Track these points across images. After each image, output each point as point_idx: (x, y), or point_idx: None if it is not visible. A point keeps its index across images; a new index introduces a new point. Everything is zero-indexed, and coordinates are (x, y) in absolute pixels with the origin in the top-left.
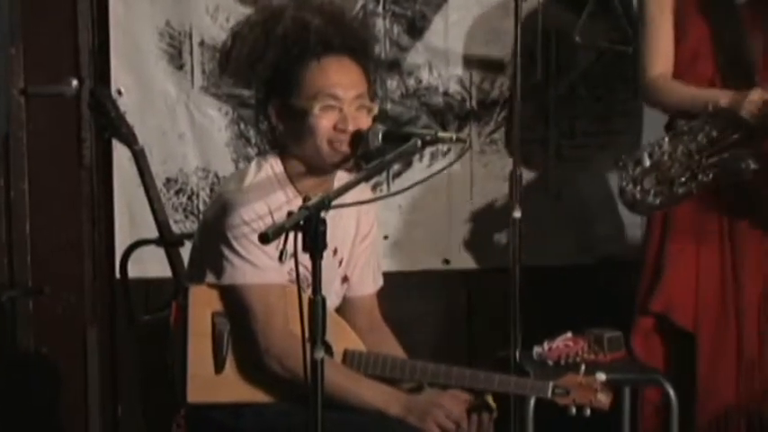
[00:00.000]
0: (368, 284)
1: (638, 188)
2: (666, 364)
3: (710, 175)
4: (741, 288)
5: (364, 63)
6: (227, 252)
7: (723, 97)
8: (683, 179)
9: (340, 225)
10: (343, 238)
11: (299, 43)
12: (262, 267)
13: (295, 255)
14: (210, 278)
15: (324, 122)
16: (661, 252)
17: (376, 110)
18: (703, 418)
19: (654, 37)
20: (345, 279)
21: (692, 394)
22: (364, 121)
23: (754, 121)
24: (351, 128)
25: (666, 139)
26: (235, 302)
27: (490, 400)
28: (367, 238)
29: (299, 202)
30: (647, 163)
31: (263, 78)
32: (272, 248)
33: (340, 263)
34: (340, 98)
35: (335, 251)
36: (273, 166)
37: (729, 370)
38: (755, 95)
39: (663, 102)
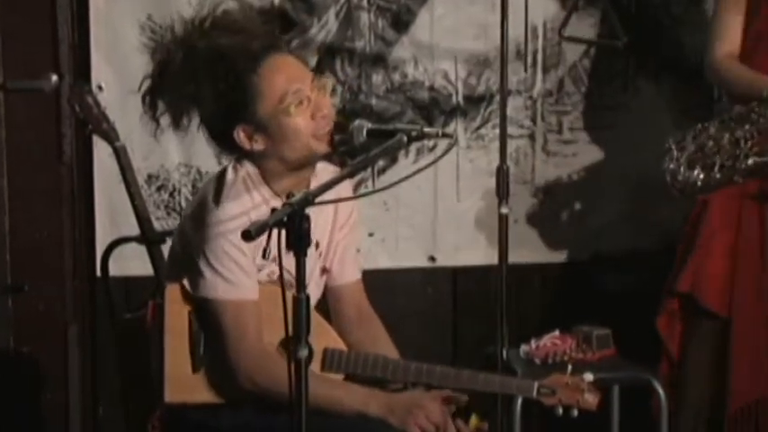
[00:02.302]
0: (350, 272)
1: (681, 169)
2: (683, 348)
3: (751, 164)
4: None
5: (291, 50)
6: (201, 264)
7: None
8: (723, 165)
9: (320, 217)
10: (322, 229)
11: (232, 67)
12: (235, 283)
13: (278, 250)
14: (186, 285)
15: (302, 119)
16: (694, 236)
17: (330, 83)
18: (736, 404)
19: (724, 15)
20: (325, 270)
21: (708, 381)
22: (327, 102)
23: None
24: (327, 111)
25: (715, 123)
26: (207, 314)
27: (474, 419)
28: (345, 227)
29: (277, 202)
30: (692, 146)
31: (215, 115)
32: (248, 262)
33: (320, 255)
34: (303, 89)
35: (317, 244)
36: (248, 169)
37: (763, 358)
38: None
39: (722, 81)
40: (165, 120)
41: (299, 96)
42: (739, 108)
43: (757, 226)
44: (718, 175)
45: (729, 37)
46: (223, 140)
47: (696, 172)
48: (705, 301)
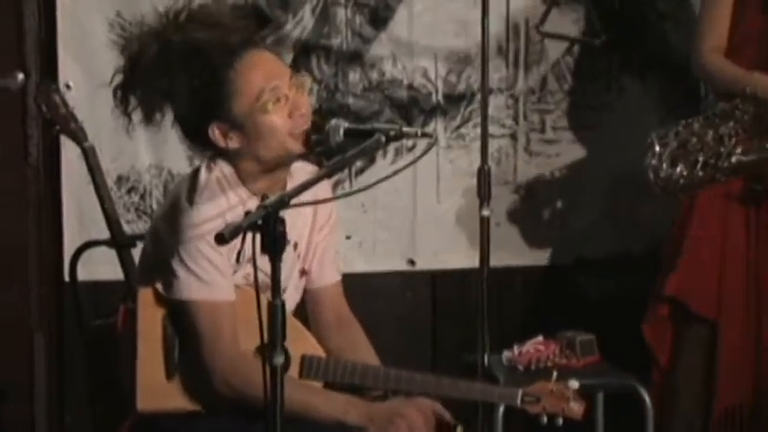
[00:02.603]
0: (329, 273)
1: (664, 166)
2: (673, 353)
3: (734, 162)
4: (761, 277)
5: (267, 46)
6: (175, 265)
7: (764, 83)
8: (706, 163)
9: (299, 218)
10: (301, 230)
11: (208, 63)
12: (210, 283)
13: (253, 256)
14: (159, 287)
15: (279, 117)
16: (681, 240)
17: (308, 82)
18: (720, 407)
19: (712, 10)
20: (304, 272)
21: (702, 386)
22: (305, 100)
23: None
24: (305, 110)
25: (699, 120)
26: (181, 317)
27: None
28: (325, 228)
29: (254, 203)
30: (674, 142)
31: (189, 112)
32: (223, 262)
33: (299, 256)
34: (280, 86)
35: (295, 245)
36: (223, 168)
37: (749, 361)
38: None
39: (707, 76)
40: (137, 115)
41: (276, 94)
42: (724, 104)
43: (743, 229)
44: (700, 173)
45: (716, 30)
46: (197, 138)
47: (679, 169)
48: (693, 306)
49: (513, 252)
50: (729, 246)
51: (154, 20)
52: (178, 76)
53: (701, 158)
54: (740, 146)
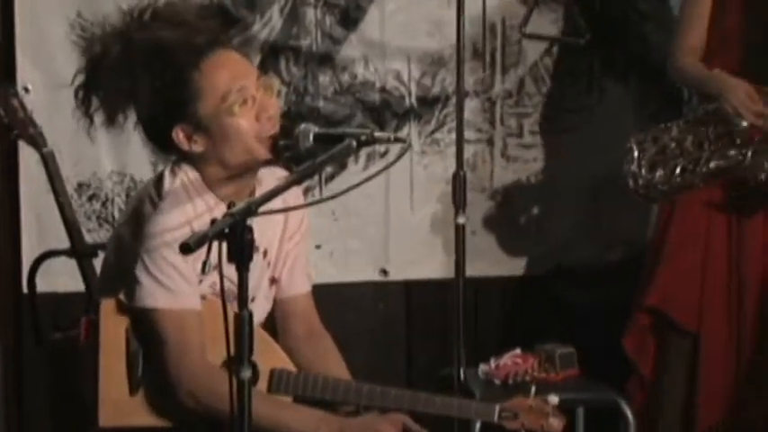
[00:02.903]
0: (299, 283)
1: (643, 171)
2: (657, 366)
3: (713, 168)
4: (744, 287)
5: (234, 46)
6: (138, 272)
7: (730, 90)
8: (685, 169)
9: (269, 224)
10: (271, 237)
11: (172, 62)
12: (176, 291)
13: (219, 266)
14: (122, 297)
15: (246, 120)
16: (661, 247)
17: (276, 84)
18: (703, 425)
19: (690, 11)
20: (274, 281)
21: (685, 401)
22: (274, 102)
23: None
24: (273, 112)
25: (678, 124)
26: (146, 327)
27: None
28: (296, 235)
29: (222, 209)
30: (653, 147)
31: (152, 113)
32: (189, 270)
33: (268, 264)
34: (247, 87)
35: (265, 253)
36: (188, 173)
37: (730, 375)
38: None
39: (681, 79)
40: (99, 117)
41: (243, 95)
42: (703, 108)
43: (724, 237)
44: (679, 179)
45: (694, 32)
46: (160, 141)
47: (658, 174)
48: (674, 317)
49: (489, 261)
50: (711, 253)
51: (117, 19)
52: (141, 77)
53: (680, 164)
54: (719, 151)
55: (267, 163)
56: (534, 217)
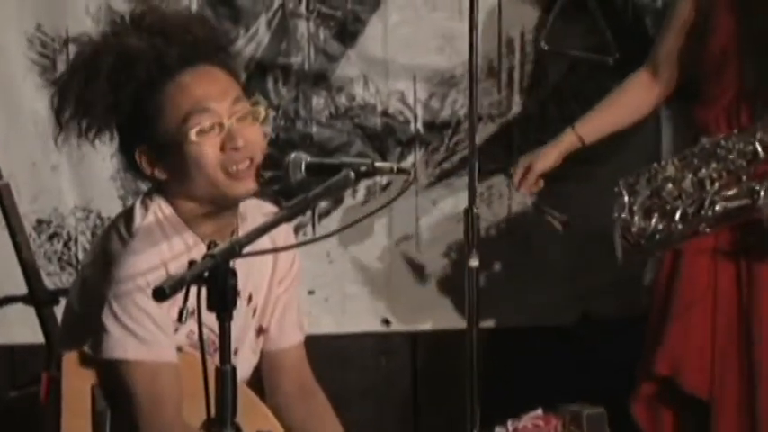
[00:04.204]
0: (290, 334)
1: (635, 220)
2: None
3: (720, 210)
4: (757, 343)
5: (225, 64)
6: (106, 320)
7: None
8: (686, 213)
9: (254, 267)
10: (258, 281)
11: (137, 74)
12: (149, 341)
13: (198, 314)
14: (87, 348)
15: (207, 149)
16: (667, 304)
17: (263, 111)
18: None
19: (666, 34)
20: (261, 330)
21: None
22: (256, 132)
23: None
24: (242, 143)
25: (674, 162)
26: (114, 382)
27: None
28: (286, 279)
29: (200, 249)
30: (646, 191)
31: (108, 128)
32: (164, 317)
33: (254, 311)
34: (215, 111)
35: (249, 298)
36: (162, 207)
37: None
38: None
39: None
40: (71, 129)
41: (204, 120)
42: (704, 142)
43: (733, 290)
44: (680, 226)
45: (660, 56)
46: (132, 165)
47: (653, 222)
48: (685, 384)
49: (505, 310)
50: (719, 308)
51: (109, 21)
52: (104, 86)
53: (679, 208)
54: (725, 190)
55: (246, 193)
56: (558, 259)
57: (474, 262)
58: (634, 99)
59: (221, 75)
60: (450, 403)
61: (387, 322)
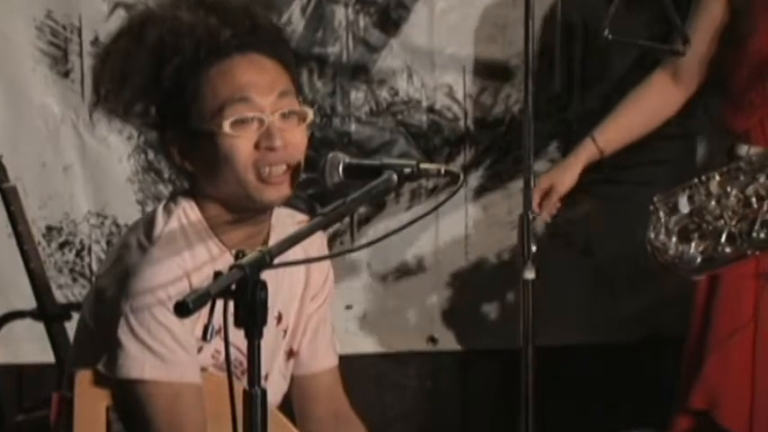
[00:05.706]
0: (323, 357)
1: (673, 242)
2: None
3: None
4: None
5: (281, 56)
6: (122, 335)
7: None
8: (732, 234)
9: (284, 281)
10: (289, 298)
11: (183, 50)
12: (169, 360)
13: (225, 331)
14: (101, 367)
15: (241, 142)
16: (705, 332)
17: (311, 116)
18: None
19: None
20: (291, 353)
21: None
22: (299, 134)
23: None
24: (280, 143)
25: (716, 177)
26: (131, 403)
27: None
28: (319, 295)
29: (226, 259)
30: (686, 209)
31: (148, 106)
32: (187, 334)
33: (284, 332)
34: (256, 103)
35: (279, 317)
36: (188, 211)
37: None
38: None
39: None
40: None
41: (242, 111)
42: (753, 153)
43: None
44: (727, 249)
45: (684, 58)
46: (165, 151)
47: (693, 245)
48: (722, 420)
49: (565, 326)
50: (762, 340)
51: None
52: (143, 57)
53: (724, 229)
54: None
55: (278, 199)
56: (623, 272)
57: (529, 274)
58: (654, 105)
59: (271, 65)
60: (501, 426)
61: (433, 341)
